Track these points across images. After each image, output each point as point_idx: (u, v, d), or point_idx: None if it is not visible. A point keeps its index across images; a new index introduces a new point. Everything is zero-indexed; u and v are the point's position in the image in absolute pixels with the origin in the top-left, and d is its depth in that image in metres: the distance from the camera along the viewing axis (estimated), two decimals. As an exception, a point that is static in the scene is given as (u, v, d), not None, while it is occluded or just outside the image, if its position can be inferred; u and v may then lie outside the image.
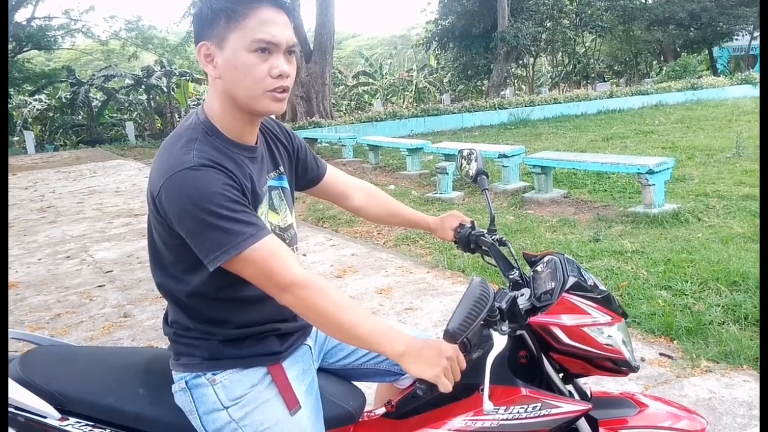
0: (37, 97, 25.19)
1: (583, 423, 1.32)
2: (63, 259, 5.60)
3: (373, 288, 4.18)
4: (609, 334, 1.24)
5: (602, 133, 12.38)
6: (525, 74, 31.97)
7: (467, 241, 1.58)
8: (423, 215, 1.67)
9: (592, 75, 32.39)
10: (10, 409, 1.19)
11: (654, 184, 5.44)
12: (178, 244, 1.15)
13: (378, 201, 1.64)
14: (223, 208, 1.08)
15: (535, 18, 25.36)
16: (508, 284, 1.44)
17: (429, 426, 1.27)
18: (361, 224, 6.08)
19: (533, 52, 28.22)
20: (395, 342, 1.11)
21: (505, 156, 7.17)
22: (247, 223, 1.10)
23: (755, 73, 21.89)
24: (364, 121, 16.26)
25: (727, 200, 5.78)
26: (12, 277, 5.05)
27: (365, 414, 1.41)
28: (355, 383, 1.48)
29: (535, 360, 1.30)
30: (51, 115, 25.31)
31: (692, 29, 28.67)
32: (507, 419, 1.22)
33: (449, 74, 30.86)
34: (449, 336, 1.04)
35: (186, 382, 1.24)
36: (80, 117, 25.47)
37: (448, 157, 7.94)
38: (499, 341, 1.15)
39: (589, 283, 1.28)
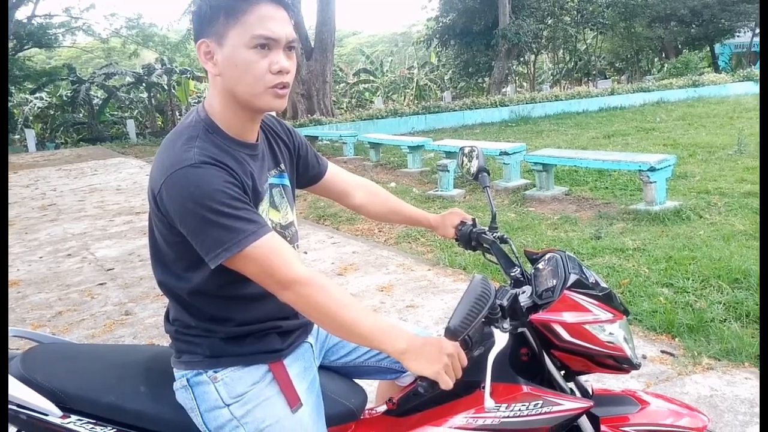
0: (38, 95, 25.21)
1: (584, 420, 1.32)
2: (64, 257, 5.61)
3: (374, 286, 4.18)
4: (610, 331, 1.24)
5: (603, 130, 12.35)
6: (526, 71, 31.90)
7: (468, 238, 1.57)
8: (424, 213, 1.66)
9: (594, 72, 32.32)
10: (12, 407, 1.19)
11: (655, 182, 5.43)
12: (180, 242, 1.15)
13: (379, 199, 1.64)
14: (225, 205, 1.08)
15: (537, 15, 25.32)
16: (509, 282, 1.44)
17: (430, 423, 1.27)
18: (362, 222, 6.08)
19: (534, 49, 28.15)
20: (396, 339, 1.11)
21: (506, 153, 7.17)
22: (248, 221, 1.10)
23: (757, 70, 21.82)
24: (365, 119, 16.24)
25: (729, 197, 5.77)
26: (13, 275, 5.06)
27: (366, 411, 1.41)
28: (357, 381, 1.48)
29: (536, 357, 1.30)
30: (52, 113, 25.32)
31: (694, 26, 28.59)
32: (508, 417, 1.22)
33: (450, 71, 30.82)
34: (450, 333, 1.04)
35: (187, 380, 1.24)
36: (81, 115, 25.48)
37: (449, 154, 7.93)
38: (501, 339, 1.15)
39: (590, 281, 1.28)
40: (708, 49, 30.73)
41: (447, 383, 1.07)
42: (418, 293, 3.97)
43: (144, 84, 25.69)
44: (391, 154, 11.01)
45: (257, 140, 1.28)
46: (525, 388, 1.25)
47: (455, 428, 1.24)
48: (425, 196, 7.29)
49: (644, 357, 2.85)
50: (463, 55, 27.98)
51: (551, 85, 31.24)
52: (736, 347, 2.83)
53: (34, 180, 12.08)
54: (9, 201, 9.32)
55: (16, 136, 22.97)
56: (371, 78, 31.34)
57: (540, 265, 1.39)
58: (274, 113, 1.35)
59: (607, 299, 1.27)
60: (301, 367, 1.31)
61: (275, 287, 1.12)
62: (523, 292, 1.34)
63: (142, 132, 23.85)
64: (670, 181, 5.96)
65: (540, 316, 1.24)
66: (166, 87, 25.74)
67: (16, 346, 2.85)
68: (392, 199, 1.66)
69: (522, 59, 29.33)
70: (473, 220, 1.61)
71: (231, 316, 1.24)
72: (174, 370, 1.27)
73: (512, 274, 1.43)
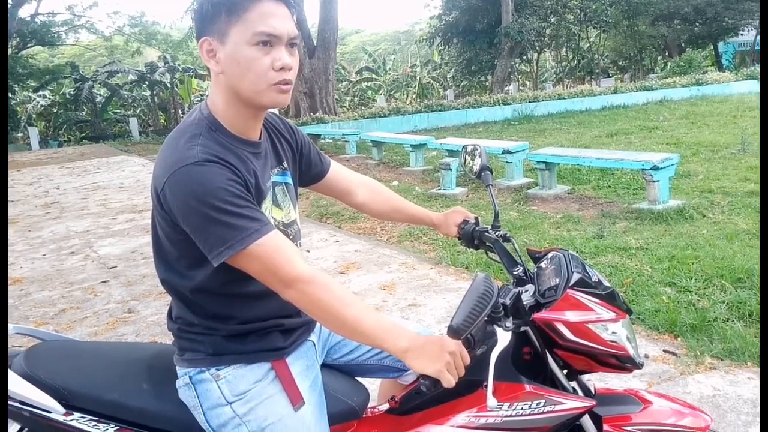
0: (41, 93, 25.25)
1: (587, 420, 1.32)
2: (67, 255, 5.62)
3: (377, 284, 4.18)
4: (613, 330, 1.24)
5: (606, 129, 12.33)
6: (529, 70, 31.85)
7: (471, 237, 1.57)
8: (427, 211, 1.66)
9: (597, 70, 32.25)
10: (15, 404, 1.19)
11: (658, 181, 5.42)
12: (182, 240, 1.15)
13: (381, 197, 1.63)
14: (227, 203, 1.08)
15: (539, 13, 25.25)
16: (512, 280, 1.44)
17: (433, 422, 1.27)
18: (364, 220, 6.08)
19: (537, 48, 28.11)
20: (398, 338, 1.11)
21: (508, 152, 7.16)
22: (251, 219, 1.10)
23: (761, 69, 21.76)
24: (367, 117, 16.24)
25: (732, 196, 5.76)
26: (16, 273, 5.07)
27: (369, 410, 1.41)
28: (359, 379, 1.48)
29: (539, 356, 1.30)
30: (55, 111, 25.36)
31: (697, 24, 28.51)
32: (511, 415, 1.22)
33: (453, 70, 30.78)
34: (453, 332, 1.04)
35: (190, 378, 1.24)
36: (84, 113, 25.52)
37: (452, 153, 7.93)
38: (503, 337, 1.15)
39: (593, 280, 1.28)
40: (711, 47, 30.64)
41: (449, 381, 1.07)
42: (421, 292, 3.97)
43: (147, 82, 25.72)
44: (393, 152, 11.00)
45: (260, 138, 1.28)
46: (527, 387, 1.25)
47: (457, 427, 1.24)
48: (428, 194, 7.29)
49: (647, 356, 2.84)
50: (465, 53, 27.94)
51: (554, 84, 31.23)
52: (739, 347, 2.82)
53: (37, 178, 12.11)
54: (12, 199, 9.34)
55: (19, 134, 23.03)
56: (374, 76, 31.32)
57: (543, 264, 1.39)
58: (276, 111, 1.35)
59: (610, 298, 1.27)
60: (303, 365, 1.31)
61: (278, 285, 1.12)
62: (526, 291, 1.34)
63: (144, 130, 23.90)
64: (673, 180, 5.95)
65: (543, 314, 1.24)
66: (168, 85, 25.77)
67: (19, 343, 2.86)
68: (395, 197, 1.66)
69: (525, 57, 29.28)
70: (476, 218, 1.61)
71: (234, 314, 1.24)
72: (177, 367, 1.27)
73: (515, 272, 1.43)
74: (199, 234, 1.10)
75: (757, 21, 26.34)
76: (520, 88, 29.92)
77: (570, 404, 1.24)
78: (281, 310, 1.27)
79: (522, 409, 1.23)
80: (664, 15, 28.13)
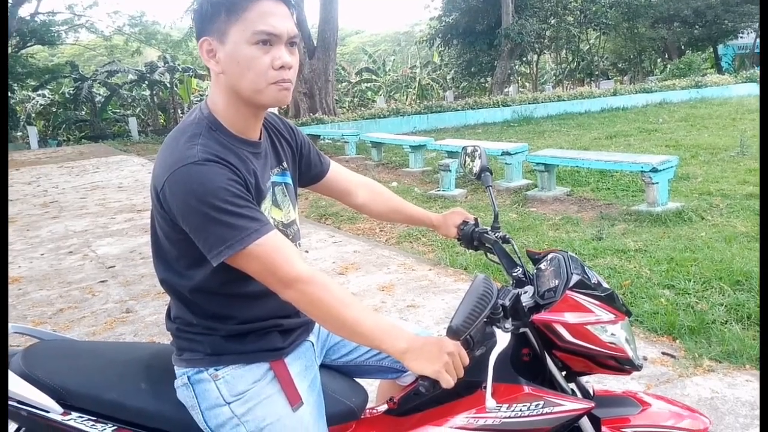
0: (40, 92, 25.23)
1: (585, 421, 1.32)
2: (65, 255, 5.62)
3: (375, 285, 4.18)
4: (612, 332, 1.24)
5: (606, 131, 12.34)
6: (529, 71, 31.86)
7: (470, 238, 1.57)
8: (426, 212, 1.66)
9: (596, 72, 32.27)
10: (13, 404, 1.19)
11: (657, 183, 5.42)
12: (182, 239, 1.15)
13: (381, 198, 1.63)
14: (227, 203, 1.08)
15: (539, 15, 25.27)
16: (511, 282, 1.44)
17: (431, 423, 1.27)
18: (363, 221, 6.08)
19: (537, 49, 28.12)
20: (397, 339, 1.11)
21: (508, 153, 7.16)
22: (250, 219, 1.10)
23: (760, 72, 21.79)
24: (367, 118, 16.24)
25: (731, 199, 5.76)
26: (15, 272, 5.06)
27: (367, 411, 1.40)
28: (358, 380, 1.48)
29: (538, 358, 1.30)
30: (54, 110, 25.35)
31: (697, 27, 28.55)
32: (509, 417, 1.22)
33: (453, 71, 30.80)
34: (452, 333, 1.04)
35: (188, 378, 1.24)
36: (83, 112, 25.51)
37: (451, 154, 7.93)
38: (502, 339, 1.15)
39: (592, 281, 1.28)
40: (711, 50, 30.68)
41: (448, 382, 1.07)
42: (419, 293, 3.97)
43: (146, 82, 25.71)
44: (393, 153, 11.00)
45: (260, 138, 1.28)
46: (526, 389, 1.25)
47: (456, 428, 1.24)
48: (427, 195, 7.29)
49: (645, 358, 2.85)
50: (465, 54, 27.97)
51: (554, 86, 31.23)
52: (738, 349, 2.82)
53: (36, 177, 12.10)
54: (11, 198, 9.33)
55: (19, 133, 23.00)
56: (373, 77, 31.34)
57: (542, 266, 1.39)
58: (276, 111, 1.35)
59: (609, 300, 1.27)
60: (302, 365, 1.30)
61: (277, 285, 1.12)
62: (525, 292, 1.34)
63: (144, 130, 23.88)
64: (672, 182, 5.95)
65: (542, 316, 1.24)
66: (168, 85, 25.76)
67: (17, 342, 2.86)
68: (394, 198, 1.66)
69: (524, 59, 29.30)
70: (475, 219, 1.61)
71: (232, 314, 1.24)
72: (175, 367, 1.27)
73: (514, 274, 1.43)
74: (199, 233, 1.10)
75: (757, 24, 26.37)
76: (520, 89, 29.94)
77: (569, 406, 1.24)
78: (280, 311, 1.27)
79: (521, 410, 1.23)
80: (663, 17, 28.17)
